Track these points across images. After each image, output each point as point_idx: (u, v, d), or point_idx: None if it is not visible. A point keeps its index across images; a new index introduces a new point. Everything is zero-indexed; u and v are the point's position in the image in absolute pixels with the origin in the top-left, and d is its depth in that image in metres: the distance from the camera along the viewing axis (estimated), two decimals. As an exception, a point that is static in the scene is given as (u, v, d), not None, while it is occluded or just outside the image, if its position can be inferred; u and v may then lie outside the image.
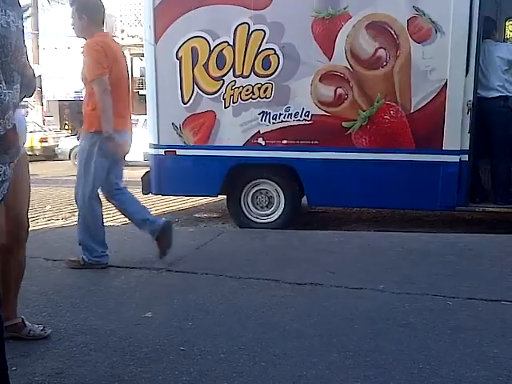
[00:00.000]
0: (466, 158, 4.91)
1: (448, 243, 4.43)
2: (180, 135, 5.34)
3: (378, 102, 4.91)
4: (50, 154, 15.25)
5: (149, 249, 3.92)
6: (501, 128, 5.16)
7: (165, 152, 5.41)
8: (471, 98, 4.83)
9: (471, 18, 4.72)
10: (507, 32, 9.25)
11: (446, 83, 4.82)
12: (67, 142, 14.50)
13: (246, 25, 5.04)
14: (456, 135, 4.85)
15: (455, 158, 4.88)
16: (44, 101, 19.80)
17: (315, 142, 5.11)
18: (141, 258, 4.01)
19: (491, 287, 3.29)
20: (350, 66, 4.94)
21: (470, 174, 5.02)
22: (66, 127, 18.69)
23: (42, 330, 2.58)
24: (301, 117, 5.09)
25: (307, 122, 5.08)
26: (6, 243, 2.36)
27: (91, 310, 2.98)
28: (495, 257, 3.98)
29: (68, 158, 13.99)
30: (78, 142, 4.73)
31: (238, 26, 5.06)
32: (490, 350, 2.42)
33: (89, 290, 3.31)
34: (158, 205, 7.03)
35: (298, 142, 5.13)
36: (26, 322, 2.57)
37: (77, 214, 3.85)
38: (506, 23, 7.20)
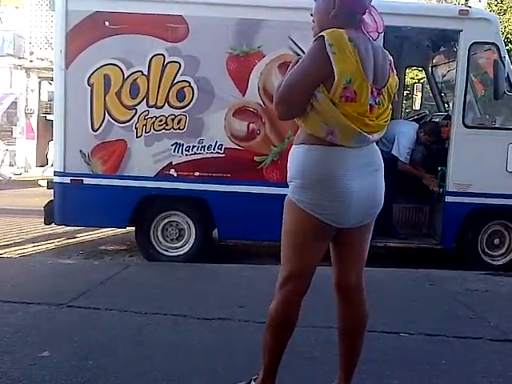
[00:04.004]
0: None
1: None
2: (88, 163, 5.16)
3: (288, 138, 5.04)
4: None
5: (49, 283, 3.71)
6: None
7: (71, 180, 5.19)
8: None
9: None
10: (407, 79, 10.02)
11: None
12: None
13: (162, 56, 5.03)
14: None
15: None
16: None
17: (227, 175, 5.14)
18: (40, 292, 3.77)
19: (391, 320, 3.42)
20: (263, 102, 5.06)
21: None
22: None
23: None
24: (214, 150, 5.11)
25: (220, 155, 5.11)
26: None
27: (-19, 349, 2.75)
28: (395, 290, 4.17)
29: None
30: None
31: (153, 56, 5.03)
32: (389, 382, 2.50)
33: (-21, 328, 3.06)
34: (61, 236, 6.70)
35: (210, 174, 5.14)
36: None
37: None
38: (406, 71, 7.78)
